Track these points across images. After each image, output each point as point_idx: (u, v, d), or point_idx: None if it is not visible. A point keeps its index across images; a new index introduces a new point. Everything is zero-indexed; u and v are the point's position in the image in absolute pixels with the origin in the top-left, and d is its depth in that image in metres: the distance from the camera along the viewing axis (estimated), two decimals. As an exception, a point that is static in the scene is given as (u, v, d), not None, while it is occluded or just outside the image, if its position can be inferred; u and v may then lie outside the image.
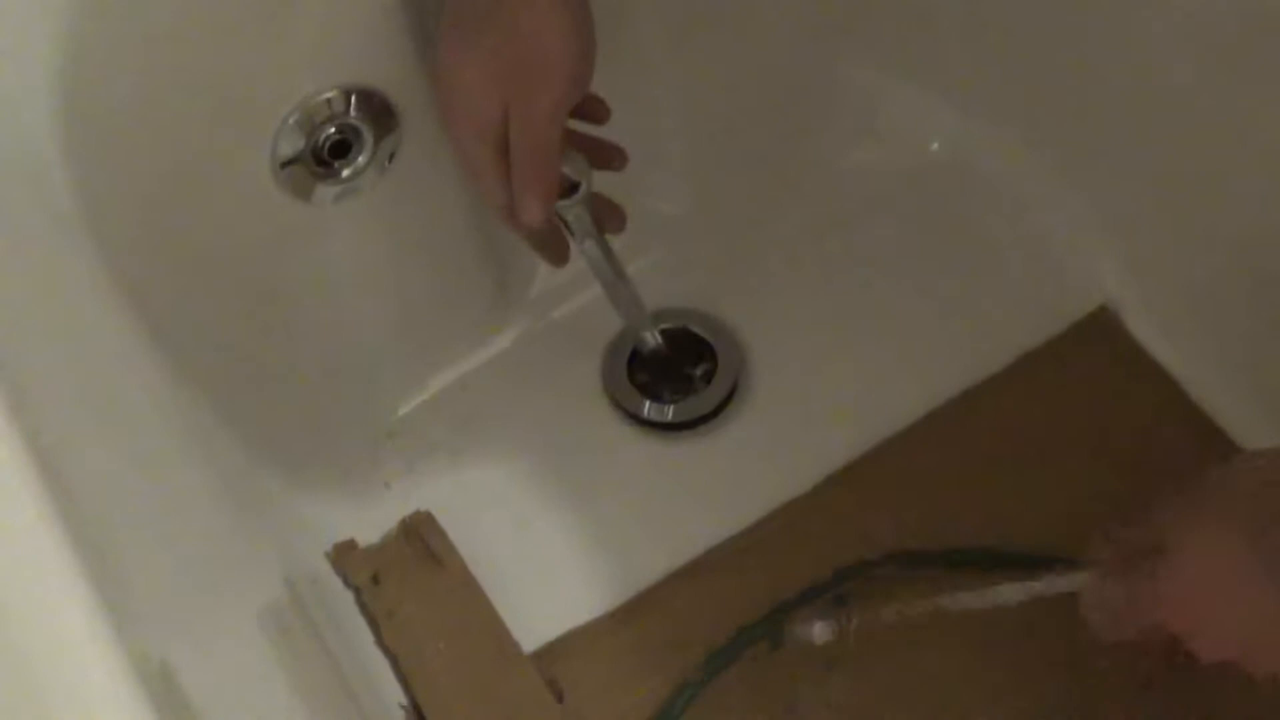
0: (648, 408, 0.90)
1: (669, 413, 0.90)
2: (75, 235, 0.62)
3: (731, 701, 0.80)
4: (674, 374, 0.91)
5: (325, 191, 0.76)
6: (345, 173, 0.76)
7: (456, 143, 0.72)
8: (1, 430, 0.45)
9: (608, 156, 0.79)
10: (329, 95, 0.73)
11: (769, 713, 0.80)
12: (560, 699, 0.80)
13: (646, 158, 0.81)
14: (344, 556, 0.84)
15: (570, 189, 0.75)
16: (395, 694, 0.80)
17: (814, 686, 0.80)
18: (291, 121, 0.72)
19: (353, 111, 0.74)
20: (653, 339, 0.88)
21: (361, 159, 0.76)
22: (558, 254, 0.80)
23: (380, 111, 0.75)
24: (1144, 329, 0.91)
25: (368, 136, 0.75)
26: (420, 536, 0.85)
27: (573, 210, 0.76)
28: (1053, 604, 0.70)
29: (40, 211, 0.61)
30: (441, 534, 0.85)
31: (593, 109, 0.77)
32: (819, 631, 0.77)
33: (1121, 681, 0.78)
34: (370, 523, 0.87)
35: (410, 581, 0.83)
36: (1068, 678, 0.79)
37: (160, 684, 0.43)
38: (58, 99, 0.62)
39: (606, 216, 0.80)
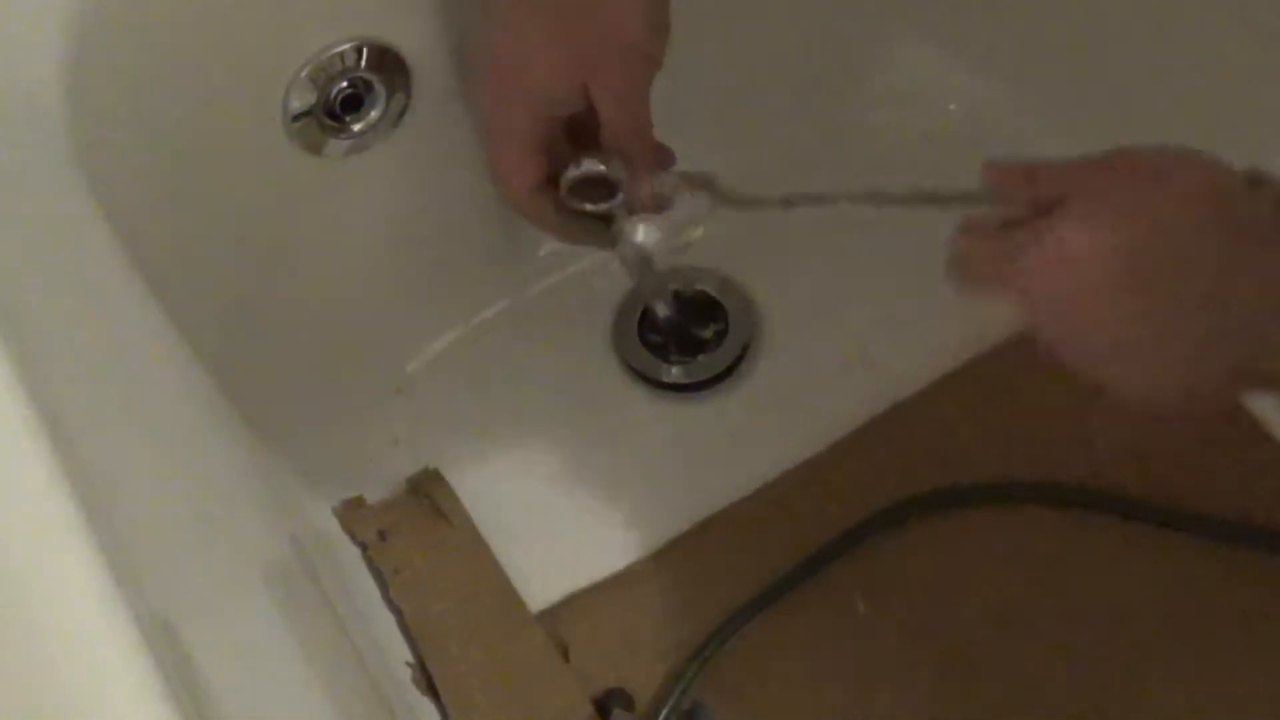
0: (658, 367, 0.90)
1: (679, 372, 0.89)
2: (78, 184, 0.62)
3: (749, 661, 0.80)
4: (685, 334, 0.91)
5: (336, 146, 0.76)
6: (356, 127, 0.76)
7: (496, 105, 0.71)
8: (7, 386, 0.44)
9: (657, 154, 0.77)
10: (342, 49, 0.72)
11: (789, 673, 0.80)
12: (566, 658, 0.80)
13: (667, 117, 0.80)
14: (351, 513, 0.84)
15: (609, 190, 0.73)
16: (401, 651, 0.80)
17: (834, 646, 0.80)
18: (304, 75, 0.72)
19: (365, 66, 0.73)
20: (665, 308, 0.88)
21: (373, 114, 0.76)
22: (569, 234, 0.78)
23: (393, 66, 0.75)
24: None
25: (380, 91, 0.75)
26: (428, 493, 0.85)
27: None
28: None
29: (42, 161, 0.61)
30: (449, 491, 0.85)
31: None
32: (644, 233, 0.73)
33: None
34: (378, 480, 0.87)
35: (418, 538, 0.83)
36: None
37: (163, 641, 0.42)
38: (67, 48, 0.61)
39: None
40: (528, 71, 0.68)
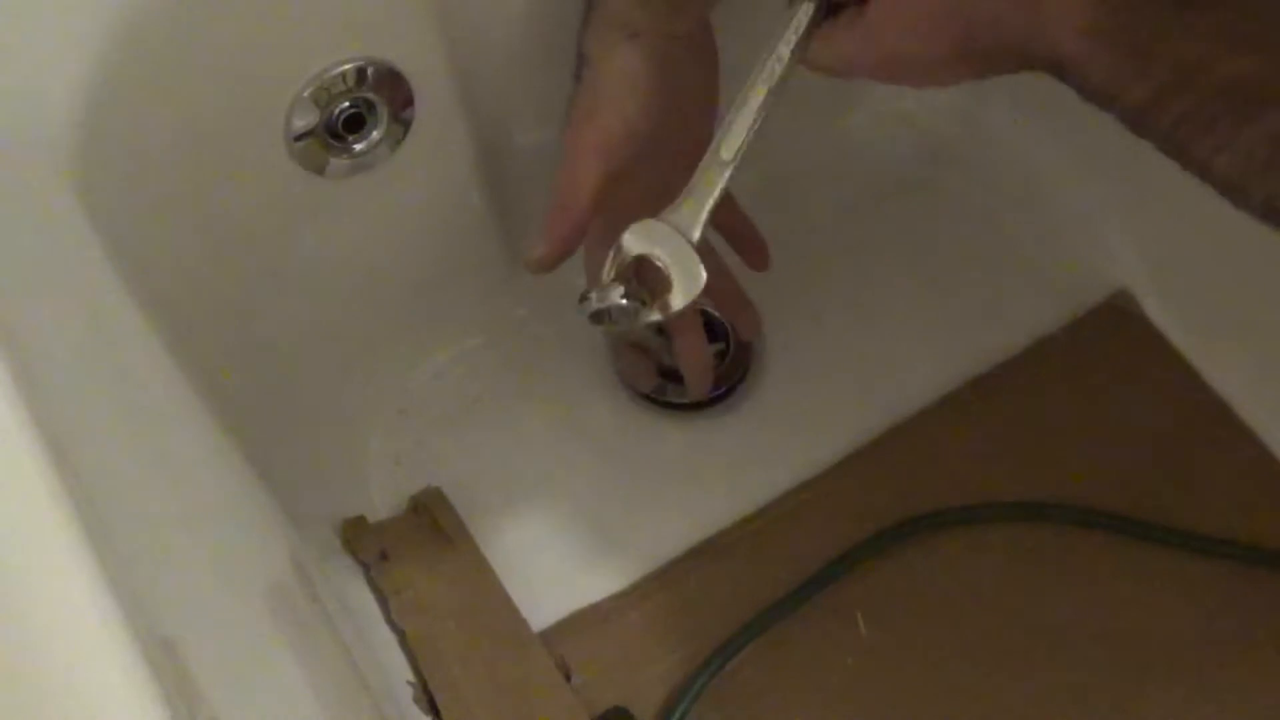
0: (660, 387, 0.90)
1: (681, 392, 0.89)
2: (78, 205, 0.62)
3: (751, 681, 0.80)
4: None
5: (338, 165, 0.76)
6: (359, 147, 0.76)
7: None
8: (10, 408, 0.45)
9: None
10: (344, 69, 0.72)
11: (791, 693, 0.80)
12: (568, 678, 0.80)
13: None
14: (353, 533, 0.84)
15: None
16: (403, 670, 0.80)
17: (836, 666, 0.80)
18: (306, 95, 0.72)
19: (367, 86, 0.73)
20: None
21: (375, 134, 0.76)
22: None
23: (395, 86, 0.75)
24: (1162, 314, 0.90)
25: (382, 111, 0.75)
26: (430, 513, 0.85)
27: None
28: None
29: (43, 182, 0.61)
30: (451, 511, 0.85)
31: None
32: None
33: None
34: (380, 499, 0.87)
35: (420, 558, 0.83)
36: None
37: (164, 661, 0.42)
38: (77, 81, 0.61)
39: (750, 252, 0.83)
40: None
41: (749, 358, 0.90)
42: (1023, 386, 0.88)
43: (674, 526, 0.85)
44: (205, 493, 0.65)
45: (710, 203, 0.65)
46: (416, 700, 0.78)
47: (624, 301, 0.67)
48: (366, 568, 0.83)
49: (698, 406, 0.89)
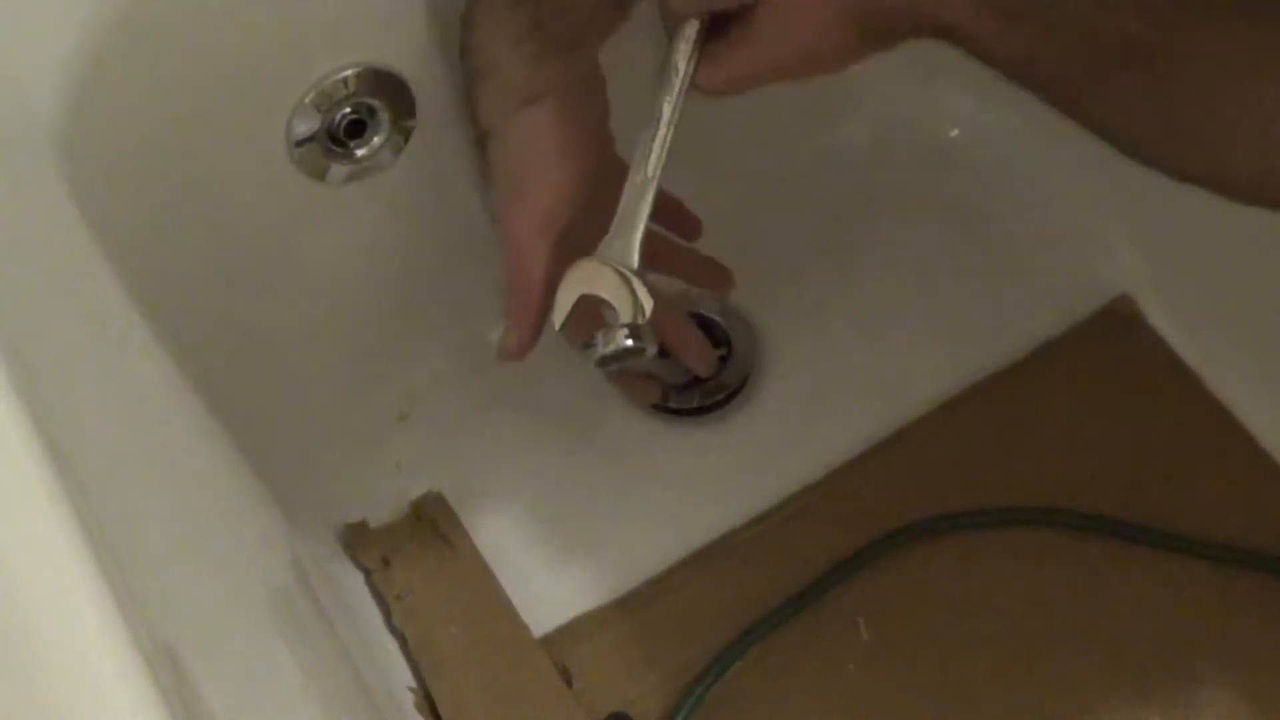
0: (661, 392, 0.90)
1: (682, 397, 0.89)
2: (76, 209, 0.62)
3: (752, 687, 0.80)
4: (688, 359, 0.90)
5: (339, 171, 0.76)
6: (360, 153, 0.76)
7: None
8: (10, 412, 0.45)
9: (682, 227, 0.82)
10: (345, 75, 0.72)
11: (793, 698, 0.80)
12: (569, 683, 0.80)
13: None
14: (354, 538, 0.84)
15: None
16: (404, 676, 0.80)
17: (837, 671, 0.80)
18: (307, 100, 0.72)
19: (368, 91, 0.73)
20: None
21: (377, 140, 0.76)
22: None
23: (397, 93, 0.75)
24: (1163, 320, 0.90)
25: (384, 117, 0.75)
26: (431, 518, 0.85)
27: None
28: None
29: (40, 188, 0.61)
30: (452, 516, 0.85)
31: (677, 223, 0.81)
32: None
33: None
34: (381, 504, 0.87)
35: (421, 563, 0.83)
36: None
37: (166, 668, 0.42)
38: (68, 74, 0.61)
39: (681, 226, 0.82)
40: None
41: (748, 364, 0.90)
42: (1023, 392, 0.88)
43: (675, 532, 0.85)
44: (206, 497, 0.65)
45: (640, 226, 0.66)
46: (418, 706, 0.78)
47: (630, 343, 0.67)
48: (368, 572, 0.83)
49: (698, 413, 0.89)
